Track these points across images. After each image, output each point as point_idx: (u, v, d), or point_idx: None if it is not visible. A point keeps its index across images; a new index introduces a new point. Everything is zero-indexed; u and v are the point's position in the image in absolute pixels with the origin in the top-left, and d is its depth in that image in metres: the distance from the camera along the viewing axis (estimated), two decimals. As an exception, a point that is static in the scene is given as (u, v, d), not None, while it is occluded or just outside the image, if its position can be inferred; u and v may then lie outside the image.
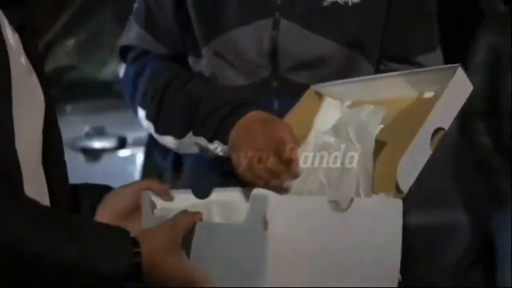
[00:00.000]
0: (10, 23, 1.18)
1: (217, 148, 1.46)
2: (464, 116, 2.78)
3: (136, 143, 2.71)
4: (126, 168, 2.73)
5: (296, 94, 1.45)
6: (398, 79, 1.35)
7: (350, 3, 1.51)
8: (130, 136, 2.74)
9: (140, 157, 2.63)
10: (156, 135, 1.60)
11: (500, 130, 2.82)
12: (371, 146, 1.26)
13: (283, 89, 1.53)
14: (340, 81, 1.44)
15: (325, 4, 1.50)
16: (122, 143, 2.75)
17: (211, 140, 1.47)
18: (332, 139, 1.30)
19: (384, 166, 1.27)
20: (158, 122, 1.58)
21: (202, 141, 1.49)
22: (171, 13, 1.59)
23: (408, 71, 1.37)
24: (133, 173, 2.67)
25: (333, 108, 1.38)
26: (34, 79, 1.22)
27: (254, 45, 1.54)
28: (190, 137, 1.51)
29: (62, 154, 1.32)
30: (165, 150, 1.79)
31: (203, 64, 1.59)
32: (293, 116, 1.43)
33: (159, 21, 1.62)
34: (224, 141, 1.43)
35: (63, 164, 1.31)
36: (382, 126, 1.27)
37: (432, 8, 1.62)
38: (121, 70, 1.68)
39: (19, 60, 1.19)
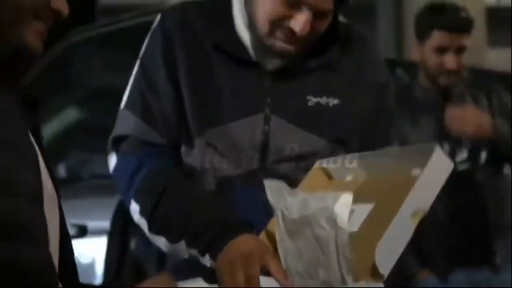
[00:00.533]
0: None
1: (208, 261, 1.52)
2: None
3: (97, 232, 2.65)
4: (87, 257, 2.67)
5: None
6: (388, 156, 1.54)
7: (330, 104, 1.67)
8: (91, 225, 2.70)
9: (101, 246, 2.57)
10: (148, 233, 1.66)
11: None
12: (345, 234, 1.30)
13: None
14: (340, 157, 1.58)
15: (309, 104, 1.66)
16: (82, 232, 2.70)
17: (202, 255, 1.54)
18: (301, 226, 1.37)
19: (363, 251, 1.30)
20: (152, 222, 1.64)
21: (194, 251, 1.55)
22: (170, 103, 1.68)
23: (395, 148, 1.59)
24: (94, 263, 2.62)
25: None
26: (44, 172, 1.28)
27: (246, 139, 1.66)
28: (182, 245, 1.57)
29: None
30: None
31: (194, 154, 1.67)
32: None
33: (157, 111, 1.69)
34: (214, 259, 1.49)
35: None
36: (348, 212, 1.33)
37: (391, 104, 1.81)
38: (112, 160, 1.72)
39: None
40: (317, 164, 1.63)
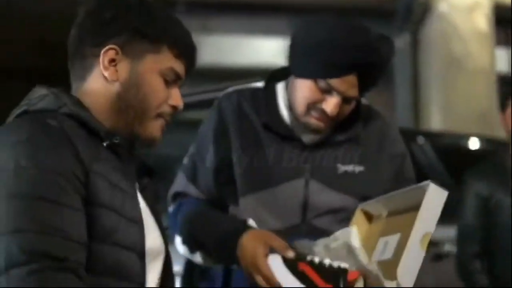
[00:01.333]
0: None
1: (236, 267, 1.91)
2: (462, 258, 3.06)
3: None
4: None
5: (319, 236, 1.87)
6: (402, 195, 1.82)
7: (356, 171, 2.00)
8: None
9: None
10: (189, 254, 2.04)
11: (496, 269, 2.99)
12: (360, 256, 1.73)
13: (309, 232, 1.93)
14: (374, 200, 1.90)
15: (339, 172, 2.00)
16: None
17: (229, 265, 1.97)
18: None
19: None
20: (190, 244, 2.02)
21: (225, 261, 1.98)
22: (212, 173, 2.05)
23: (407, 188, 1.84)
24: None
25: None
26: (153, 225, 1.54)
27: (290, 199, 1.97)
28: (215, 257, 1.98)
29: None
30: (211, 279, 2.18)
31: (240, 209, 1.99)
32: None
33: (201, 177, 2.07)
34: (238, 264, 1.88)
35: None
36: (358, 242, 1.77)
37: (412, 174, 2.12)
38: (171, 211, 2.12)
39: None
40: (358, 207, 1.92)
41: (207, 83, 8.96)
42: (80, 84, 1.50)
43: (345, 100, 1.92)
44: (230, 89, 2.11)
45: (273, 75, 2.10)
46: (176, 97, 1.54)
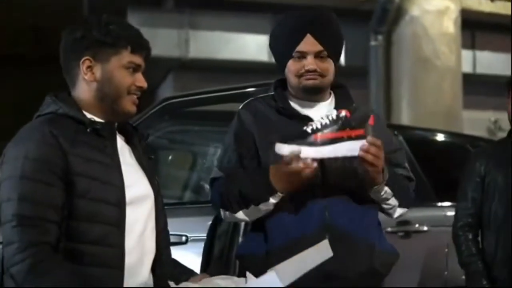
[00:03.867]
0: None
1: (271, 201, 2.30)
2: (456, 226, 3.22)
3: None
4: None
5: (332, 190, 2.33)
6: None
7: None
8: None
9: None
10: (234, 216, 2.41)
11: (485, 241, 3.17)
12: None
13: (325, 188, 2.33)
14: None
15: None
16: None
17: (265, 200, 2.31)
18: None
19: None
20: (231, 205, 2.39)
21: (261, 204, 2.32)
22: (235, 164, 2.48)
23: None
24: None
25: None
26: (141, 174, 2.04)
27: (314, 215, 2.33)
28: (252, 207, 2.35)
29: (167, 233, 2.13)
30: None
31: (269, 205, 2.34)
32: None
33: (226, 167, 2.50)
34: (271, 194, 2.29)
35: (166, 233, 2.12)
36: None
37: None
38: (210, 192, 2.52)
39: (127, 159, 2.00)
40: None
41: (195, 75, 9.39)
42: (73, 89, 2.03)
43: (316, 56, 2.38)
44: (247, 100, 2.60)
45: (276, 84, 2.59)
46: (140, 80, 2.01)
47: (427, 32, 8.87)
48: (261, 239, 2.39)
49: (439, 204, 4.27)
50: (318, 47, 2.37)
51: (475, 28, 10.41)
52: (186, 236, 3.40)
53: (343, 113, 2.23)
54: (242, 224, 3.34)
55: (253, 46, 9.82)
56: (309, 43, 2.37)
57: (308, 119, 2.36)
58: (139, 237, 1.99)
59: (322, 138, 2.20)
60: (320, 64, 2.38)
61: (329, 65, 2.42)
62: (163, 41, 9.51)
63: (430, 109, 8.64)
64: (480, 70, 10.91)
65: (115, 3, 9.52)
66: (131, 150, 2.10)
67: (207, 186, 4.13)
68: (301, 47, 2.37)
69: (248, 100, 2.57)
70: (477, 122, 9.86)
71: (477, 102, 10.42)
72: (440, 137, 5.10)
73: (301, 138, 2.22)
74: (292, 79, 2.43)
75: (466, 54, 10.21)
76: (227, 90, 3.74)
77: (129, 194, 1.96)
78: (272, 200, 2.31)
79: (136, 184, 2.01)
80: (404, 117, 8.73)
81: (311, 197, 2.33)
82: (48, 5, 9.92)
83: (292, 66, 2.41)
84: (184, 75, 9.84)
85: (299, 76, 2.40)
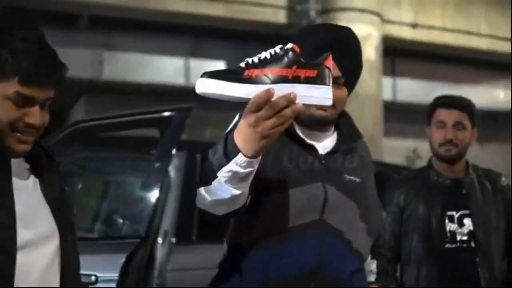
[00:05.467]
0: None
1: (238, 163, 1.78)
2: None
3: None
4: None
5: (331, 232, 2.10)
6: None
7: (356, 181, 2.22)
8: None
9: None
10: (200, 190, 1.93)
11: (404, 275, 3.16)
12: None
13: (323, 229, 2.10)
14: None
15: (346, 180, 2.20)
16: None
17: (233, 157, 1.78)
18: None
19: None
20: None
21: (231, 164, 1.79)
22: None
23: None
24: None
25: None
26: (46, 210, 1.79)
27: (312, 199, 2.11)
28: (226, 172, 1.82)
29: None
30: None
31: (263, 205, 2.06)
32: None
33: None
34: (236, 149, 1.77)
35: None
36: None
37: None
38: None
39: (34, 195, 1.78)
40: None
41: (109, 98, 9.10)
42: None
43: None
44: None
45: None
46: (31, 116, 1.73)
47: (349, 58, 8.72)
48: (236, 278, 2.11)
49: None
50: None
51: (396, 55, 10.42)
52: (96, 276, 3.20)
53: (290, 45, 1.76)
54: (158, 257, 3.15)
55: (170, 69, 9.58)
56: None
57: (313, 149, 2.19)
58: (38, 285, 1.76)
59: (260, 74, 1.71)
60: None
61: (344, 95, 2.19)
62: (76, 61, 9.16)
63: (352, 136, 8.47)
64: (400, 97, 10.91)
65: (29, 20, 9.09)
66: (37, 181, 1.83)
67: (120, 220, 3.87)
68: None
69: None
70: (397, 150, 9.82)
71: (397, 129, 10.43)
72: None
73: (232, 73, 1.72)
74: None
75: (387, 81, 10.19)
76: (142, 114, 3.53)
77: (23, 236, 1.71)
78: (236, 168, 1.80)
79: (34, 224, 1.77)
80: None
81: (304, 232, 2.08)
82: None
83: None
84: (98, 98, 9.49)
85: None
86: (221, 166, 1.82)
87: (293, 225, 2.08)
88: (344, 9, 8.84)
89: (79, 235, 3.89)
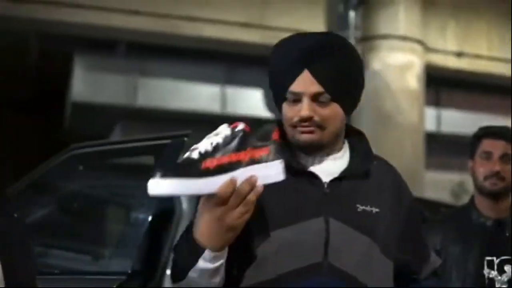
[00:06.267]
0: None
1: (207, 259, 1.69)
2: None
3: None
4: None
5: (340, 278, 1.77)
6: None
7: (373, 212, 1.88)
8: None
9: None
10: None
11: None
12: None
13: (330, 273, 1.78)
14: None
15: (358, 210, 1.87)
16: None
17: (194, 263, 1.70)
18: None
19: None
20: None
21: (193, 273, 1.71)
22: None
23: None
24: None
25: None
26: None
27: (311, 237, 1.81)
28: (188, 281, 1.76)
29: None
30: None
31: (258, 250, 1.80)
32: None
33: None
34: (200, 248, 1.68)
35: None
36: None
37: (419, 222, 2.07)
38: None
39: None
40: None
41: (143, 125, 9.03)
42: None
43: (314, 99, 1.84)
44: None
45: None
46: None
47: (389, 87, 8.54)
48: None
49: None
50: (316, 88, 1.82)
51: (440, 84, 10.09)
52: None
53: (241, 126, 1.69)
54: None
55: (205, 96, 9.43)
56: (306, 82, 1.82)
57: (313, 176, 1.87)
58: None
59: (218, 164, 1.64)
60: (320, 110, 1.83)
61: (333, 112, 1.86)
62: (110, 88, 9.10)
63: (390, 169, 8.16)
64: (444, 128, 10.53)
65: (65, 46, 9.11)
66: None
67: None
68: (295, 86, 1.82)
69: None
70: (441, 184, 9.44)
71: (441, 162, 10.09)
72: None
73: (187, 167, 1.63)
74: (286, 130, 1.89)
75: (430, 112, 9.85)
76: (140, 141, 3.32)
77: None
78: (205, 264, 1.71)
79: None
80: (363, 177, 8.19)
81: (299, 279, 1.79)
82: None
83: (285, 111, 1.87)
84: (133, 125, 9.38)
85: (293, 126, 1.86)
86: (190, 266, 1.72)
87: (281, 272, 1.79)
88: (385, 37, 8.60)
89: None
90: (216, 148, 1.65)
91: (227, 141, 1.67)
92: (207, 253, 1.69)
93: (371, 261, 1.83)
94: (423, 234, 2.07)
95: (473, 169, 3.00)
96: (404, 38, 8.65)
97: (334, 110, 1.85)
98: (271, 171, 1.66)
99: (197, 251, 1.69)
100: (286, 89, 1.83)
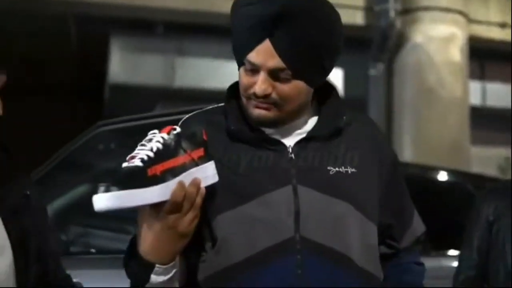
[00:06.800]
0: None
1: (160, 273, 1.56)
2: (458, 280, 2.84)
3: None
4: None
5: (315, 252, 1.59)
6: None
7: (349, 172, 1.68)
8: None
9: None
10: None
11: None
12: None
13: (304, 247, 1.59)
14: None
15: (331, 172, 1.67)
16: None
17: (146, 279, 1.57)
18: None
19: None
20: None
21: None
22: None
23: None
24: None
25: None
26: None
27: (278, 210, 1.62)
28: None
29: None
30: None
31: (220, 228, 1.62)
32: None
33: None
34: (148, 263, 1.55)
35: None
36: None
37: (402, 181, 1.84)
38: None
39: None
40: None
41: (182, 105, 8.90)
42: None
43: (273, 75, 1.62)
44: (195, 112, 1.82)
45: (230, 91, 1.81)
46: None
47: (432, 60, 8.32)
48: None
49: (434, 253, 3.70)
50: (276, 63, 1.61)
51: (485, 57, 9.80)
52: None
53: (177, 129, 1.59)
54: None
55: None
56: (265, 54, 1.61)
57: (275, 142, 1.68)
58: None
59: (164, 169, 1.54)
60: (279, 86, 1.62)
61: (295, 89, 1.64)
62: (148, 68, 9.03)
63: (434, 144, 8.03)
64: (490, 102, 10.21)
65: (103, 28, 9.07)
66: None
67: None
68: (253, 56, 1.62)
69: (195, 112, 1.80)
70: (487, 160, 9.21)
71: (486, 137, 9.79)
72: (442, 176, 4.56)
73: (132, 177, 1.52)
74: (241, 96, 1.69)
75: (474, 85, 9.57)
76: (175, 114, 3.19)
77: None
78: (158, 278, 1.57)
79: None
80: (407, 153, 8.09)
81: (271, 258, 1.60)
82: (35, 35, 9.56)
83: (241, 77, 1.66)
84: (172, 105, 9.29)
85: (248, 97, 1.66)
86: (143, 283, 1.58)
87: (251, 254, 1.60)
88: (426, 8, 8.40)
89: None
90: (158, 154, 1.55)
91: (168, 145, 1.57)
92: (157, 268, 1.56)
93: (350, 227, 1.64)
94: (407, 196, 1.85)
95: None
96: (446, 9, 8.42)
97: (296, 86, 1.65)
98: (208, 173, 1.59)
99: (147, 267, 1.56)
100: (243, 56, 1.64)
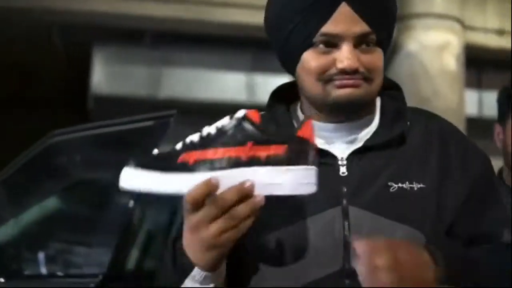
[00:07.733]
0: None
1: (197, 279, 1.34)
2: None
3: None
4: None
5: None
6: None
7: (415, 188, 1.46)
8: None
9: None
10: None
11: None
12: None
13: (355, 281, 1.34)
14: None
15: (392, 189, 1.45)
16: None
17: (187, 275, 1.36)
18: None
19: None
20: None
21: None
22: None
23: None
24: None
25: None
26: None
27: (323, 237, 1.42)
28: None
29: None
30: None
31: (254, 256, 1.45)
32: None
33: None
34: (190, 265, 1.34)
35: None
36: None
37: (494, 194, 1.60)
38: None
39: None
40: None
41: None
42: None
43: (358, 43, 1.45)
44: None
45: (275, 96, 1.60)
46: None
47: (426, 69, 8.08)
48: None
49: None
50: (362, 28, 1.43)
51: (481, 65, 9.60)
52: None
53: (241, 112, 1.31)
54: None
55: (232, 85, 9.08)
56: (347, 20, 1.42)
57: (324, 154, 1.45)
58: None
59: (198, 159, 1.28)
60: (365, 58, 1.44)
61: (379, 60, 1.48)
62: (134, 79, 8.84)
63: (429, 155, 7.77)
64: (487, 112, 9.93)
65: (87, 37, 8.86)
66: None
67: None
68: (330, 26, 1.42)
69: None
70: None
71: (483, 148, 9.48)
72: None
73: (163, 159, 1.30)
74: (311, 86, 1.46)
75: (471, 95, 9.37)
76: (122, 124, 3.00)
77: None
78: (193, 284, 1.33)
79: None
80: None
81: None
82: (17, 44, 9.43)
83: (312, 61, 1.44)
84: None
85: (326, 80, 1.44)
86: (173, 285, 1.35)
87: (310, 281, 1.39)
88: (420, 15, 8.20)
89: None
90: (206, 140, 1.30)
91: (223, 132, 1.30)
92: (196, 272, 1.32)
93: None
94: (498, 210, 1.56)
95: (505, 139, 2.55)
96: (441, 16, 8.18)
97: (379, 57, 1.47)
98: (288, 179, 1.26)
99: (184, 265, 1.33)
100: (315, 31, 1.43)
